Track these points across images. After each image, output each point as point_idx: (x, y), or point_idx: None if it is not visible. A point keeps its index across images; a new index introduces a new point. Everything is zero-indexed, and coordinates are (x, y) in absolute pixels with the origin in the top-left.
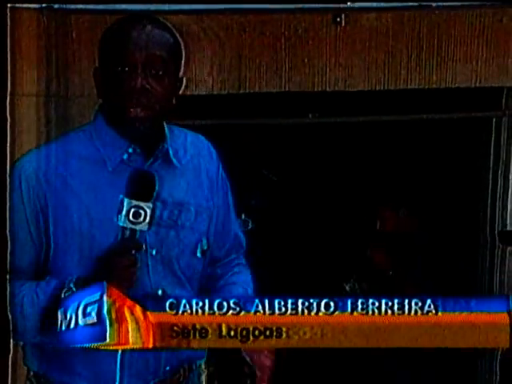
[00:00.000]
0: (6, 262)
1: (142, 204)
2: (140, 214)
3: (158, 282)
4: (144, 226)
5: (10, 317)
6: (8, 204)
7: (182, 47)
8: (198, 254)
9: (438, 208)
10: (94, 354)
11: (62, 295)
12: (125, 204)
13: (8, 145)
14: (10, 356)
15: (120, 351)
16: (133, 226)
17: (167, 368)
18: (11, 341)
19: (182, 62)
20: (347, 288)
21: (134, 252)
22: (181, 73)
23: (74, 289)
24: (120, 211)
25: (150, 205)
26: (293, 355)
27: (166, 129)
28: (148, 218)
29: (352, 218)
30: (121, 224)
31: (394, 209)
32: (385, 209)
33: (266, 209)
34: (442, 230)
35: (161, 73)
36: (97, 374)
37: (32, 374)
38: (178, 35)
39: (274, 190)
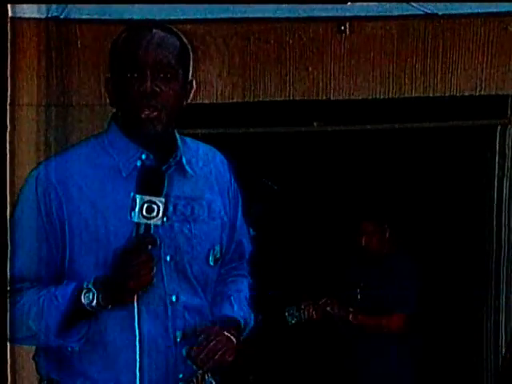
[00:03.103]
0: (6, 269)
1: (154, 199)
2: (153, 209)
3: (172, 288)
4: (158, 221)
5: (30, 324)
6: (18, 213)
7: (190, 50)
8: (211, 262)
9: (442, 216)
10: (110, 360)
11: (82, 297)
12: (137, 200)
13: (8, 153)
14: (9, 358)
15: (138, 357)
16: (147, 221)
17: (180, 376)
18: (8, 345)
19: (191, 64)
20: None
21: (149, 247)
22: (190, 76)
23: (93, 289)
24: (133, 208)
25: (162, 199)
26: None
27: (178, 138)
28: (161, 212)
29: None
30: (135, 220)
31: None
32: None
33: (268, 217)
34: (447, 237)
35: (169, 75)
36: (113, 380)
37: (45, 382)
38: (184, 39)
39: (276, 198)
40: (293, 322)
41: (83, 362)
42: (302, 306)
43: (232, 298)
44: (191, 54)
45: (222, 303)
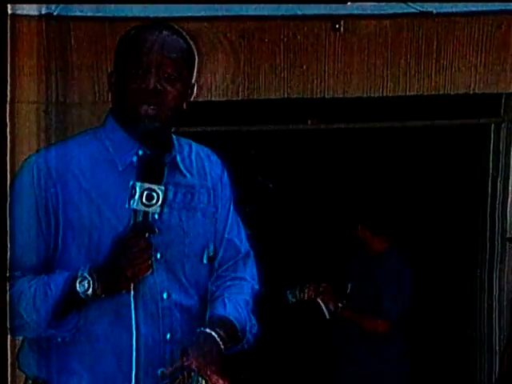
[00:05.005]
0: (5, 262)
1: (154, 187)
2: (153, 197)
3: (163, 285)
4: (156, 209)
5: (21, 313)
6: (13, 201)
7: (196, 54)
8: (205, 261)
9: (436, 214)
10: (95, 356)
11: (77, 285)
12: (137, 188)
13: (8, 151)
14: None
15: (134, 353)
16: (146, 209)
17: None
18: (8, 339)
19: (195, 68)
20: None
21: (147, 235)
22: (193, 80)
23: (89, 277)
24: (133, 195)
25: (162, 187)
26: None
27: (174, 138)
28: (160, 200)
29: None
30: (134, 207)
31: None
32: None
33: (263, 215)
34: (441, 234)
35: (173, 76)
36: (98, 375)
37: (30, 382)
38: (192, 42)
39: (271, 196)
40: (293, 300)
41: (66, 358)
42: (306, 286)
43: (226, 299)
44: (197, 57)
45: (215, 304)
